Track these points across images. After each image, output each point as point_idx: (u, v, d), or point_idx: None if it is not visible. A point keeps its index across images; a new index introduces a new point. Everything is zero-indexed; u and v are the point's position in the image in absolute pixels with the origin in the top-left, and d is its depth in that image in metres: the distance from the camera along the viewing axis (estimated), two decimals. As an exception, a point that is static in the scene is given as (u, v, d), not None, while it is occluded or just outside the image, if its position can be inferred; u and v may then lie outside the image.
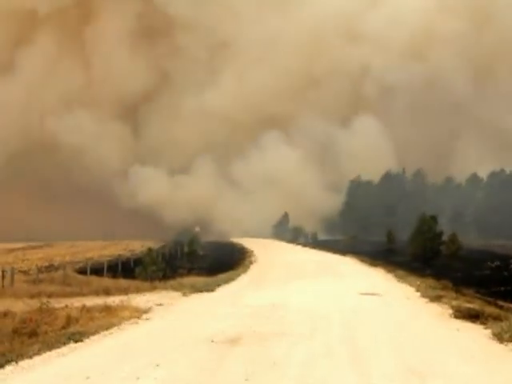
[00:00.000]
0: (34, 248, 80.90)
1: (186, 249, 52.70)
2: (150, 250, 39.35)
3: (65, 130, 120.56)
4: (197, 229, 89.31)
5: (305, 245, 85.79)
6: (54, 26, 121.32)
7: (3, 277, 30.43)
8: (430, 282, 28.42)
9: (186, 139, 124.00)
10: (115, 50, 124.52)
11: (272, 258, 53.39)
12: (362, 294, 24.38)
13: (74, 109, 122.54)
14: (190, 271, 38.95)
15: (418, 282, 28.08)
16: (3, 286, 29.60)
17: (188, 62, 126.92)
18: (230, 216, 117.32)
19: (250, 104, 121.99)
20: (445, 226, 52.53)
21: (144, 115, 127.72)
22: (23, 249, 77.97)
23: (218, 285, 29.36)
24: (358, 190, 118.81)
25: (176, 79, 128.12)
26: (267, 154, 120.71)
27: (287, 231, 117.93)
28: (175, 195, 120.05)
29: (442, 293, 23.74)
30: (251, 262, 47.78)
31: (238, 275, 35.68)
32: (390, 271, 35.88)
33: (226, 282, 31.32)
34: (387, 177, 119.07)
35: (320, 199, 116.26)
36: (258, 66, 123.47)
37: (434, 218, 48.93)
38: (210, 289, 27.48)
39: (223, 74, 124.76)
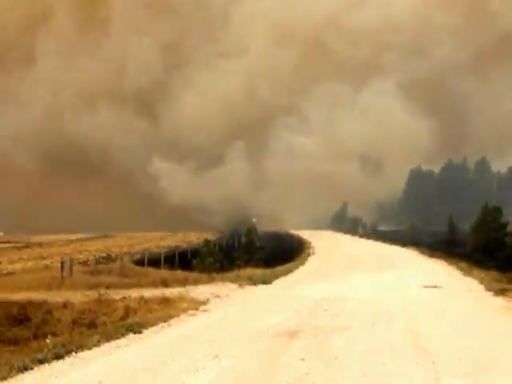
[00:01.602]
0: (91, 239, 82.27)
1: (243, 240, 52.80)
2: (207, 241, 39.57)
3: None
4: (254, 220, 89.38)
5: (363, 236, 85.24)
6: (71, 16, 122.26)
7: (62, 267, 31.00)
8: (494, 274, 27.84)
9: (214, 128, 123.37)
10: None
11: (330, 249, 53.19)
12: (423, 286, 24.06)
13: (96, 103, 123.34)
14: (247, 263, 38.99)
15: (482, 275, 27.57)
16: (62, 277, 30.14)
17: (206, 44, 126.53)
18: (284, 207, 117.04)
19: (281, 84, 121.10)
20: (510, 217, 51.37)
21: (168, 105, 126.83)
22: (81, 240, 79.34)
23: (276, 277, 29.33)
24: (418, 179, 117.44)
25: (197, 61, 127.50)
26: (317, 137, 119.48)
27: (346, 222, 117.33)
28: (218, 188, 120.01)
29: (507, 286, 23.24)
30: (309, 254, 47.68)
31: (296, 267, 35.61)
32: (451, 263, 35.33)
33: (284, 273, 31.28)
34: (449, 166, 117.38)
35: (379, 189, 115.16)
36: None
37: (498, 209, 47.93)
38: (267, 281, 27.47)
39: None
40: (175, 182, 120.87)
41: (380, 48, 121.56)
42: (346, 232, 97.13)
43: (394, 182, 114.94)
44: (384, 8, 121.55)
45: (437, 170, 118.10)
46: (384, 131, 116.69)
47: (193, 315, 17.79)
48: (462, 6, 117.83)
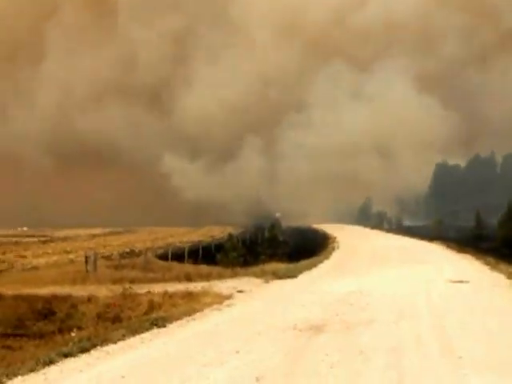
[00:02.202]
0: (115, 234, 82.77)
1: (266, 234, 52.84)
2: (230, 235, 39.68)
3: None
4: (278, 214, 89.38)
5: (389, 230, 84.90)
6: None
7: (86, 262, 31.24)
8: (523, 269, 27.64)
9: (227, 122, 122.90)
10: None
11: (355, 244, 53.04)
12: (451, 281, 23.92)
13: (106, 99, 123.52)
14: (271, 257, 39.05)
15: (510, 270, 27.36)
16: (87, 272, 30.37)
17: (216, 37, 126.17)
18: (307, 202, 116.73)
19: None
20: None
21: (179, 99, 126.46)
22: (104, 235, 79.84)
23: (300, 271, 29.31)
24: (444, 173, 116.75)
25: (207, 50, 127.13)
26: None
27: (370, 217, 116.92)
28: (234, 183, 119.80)
29: (536, 281, 23.06)
30: (334, 248, 47.58)
31: (321, 261, 35.56)
32: (478, 258, 35.09)
33: (309, 268, 31.25)
34: (476, 160, 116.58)
35: (404, 183, 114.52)
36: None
37: (526, 203, 47.54)
38: (291, 275, 27.47)
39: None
40: (188, 177, 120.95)
41: (389, 40, 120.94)
42: (371, 227, 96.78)
43: (413, 176, 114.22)
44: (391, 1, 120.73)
45: (462, 163, 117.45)
46: (399, 124, 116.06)
47: (217, 309, 17.85)
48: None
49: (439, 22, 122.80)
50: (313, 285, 23.70)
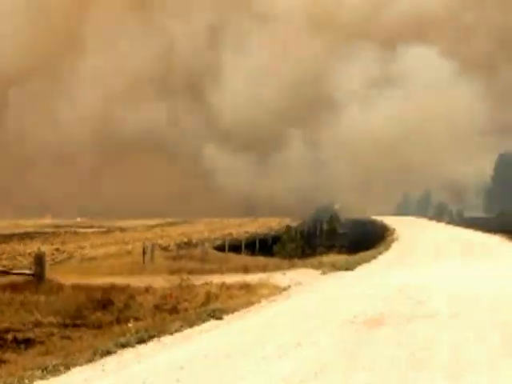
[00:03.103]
0: (172, 225, 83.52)
1: (325, 226, 52.69)
2: (288, 227, 39.72)
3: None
4: (336, 206, 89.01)
5: (449, 222, 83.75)
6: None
7: (144, 253, 31.58)
8: None
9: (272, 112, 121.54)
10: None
11: (415, 236, 52.48)
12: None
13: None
14: (329, 249, 38.94)
15: None
16: (144, 262, 30.71)
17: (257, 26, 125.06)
18: (364, 193, 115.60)
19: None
20: None
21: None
22: (161, 225, 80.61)
23: (359, 263, 29.11)
24: (506, 164, 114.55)
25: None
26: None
27: (430, 208, 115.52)
28: (282, 175, 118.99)
29: None
30: (393, 240, 47.16)
31: (380, 253, 35.27)
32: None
33: (367, 260, 31.01)
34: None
35: (464, 174, 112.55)
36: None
37: None
38: (350, 267, 27.27)
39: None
40: (234, 170, 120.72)
41: (424, 29, 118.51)
42: (431, 219, 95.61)
43: (473, 167, 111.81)
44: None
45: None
46: (451, 113, 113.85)
47: (274, 301, 17.82)
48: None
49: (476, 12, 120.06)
50: (372, 277, 23.50)
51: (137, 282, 23.22)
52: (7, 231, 73.74)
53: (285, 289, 20.23)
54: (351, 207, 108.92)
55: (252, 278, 22.99)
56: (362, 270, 26.79)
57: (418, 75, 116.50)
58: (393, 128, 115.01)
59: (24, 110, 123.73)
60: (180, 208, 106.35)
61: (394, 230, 60.93)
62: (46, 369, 10.10)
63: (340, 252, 36.84)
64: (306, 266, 28.23)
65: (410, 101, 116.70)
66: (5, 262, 39.08)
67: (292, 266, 28.60)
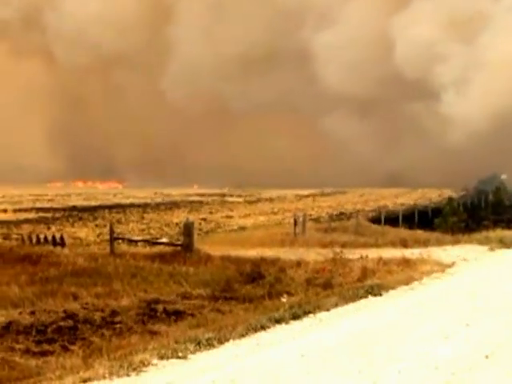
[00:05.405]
0: (324, 195, 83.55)
1: (491, 198, 51.09)
2: (450, 199, 38.82)
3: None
4: (503, 176, 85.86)
5: None
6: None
7: (295, 224, 31.70)
8: None
9: None
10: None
11: None
12: None
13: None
14: (495, 223, 37.70)
15: None
16: (295, 234, 30.86)
17: None
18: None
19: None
20: None
21: None
22: (313, 195, 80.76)
23: (530, 239, 28.02)
24: None
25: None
26: None
27: None
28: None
29: None
30: None
31: (554, 229, 33.82)
32: None
33: (541, 236, 29.79)
34: None
35: None
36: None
37: None
38: (519, 243, 26.32)
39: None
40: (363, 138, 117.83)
41: None
42: None
43: None
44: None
45: None
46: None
47: (437, 278, 17.50)
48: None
49: None
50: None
51: (288, 254, 23.40)
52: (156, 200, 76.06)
53: (449, 265, 19.79)
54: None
55: (411, 252, 22.60)
56: (535, 247, 25.79)
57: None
58: None
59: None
60: (333, 178, 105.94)
61: None
62: (199, 342, 10.32)
63: (508, 226, 35.55)
64: (471, 242, 27.48)
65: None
66: (153, 232, 40.41)
67: (456, 241, 27.92)
